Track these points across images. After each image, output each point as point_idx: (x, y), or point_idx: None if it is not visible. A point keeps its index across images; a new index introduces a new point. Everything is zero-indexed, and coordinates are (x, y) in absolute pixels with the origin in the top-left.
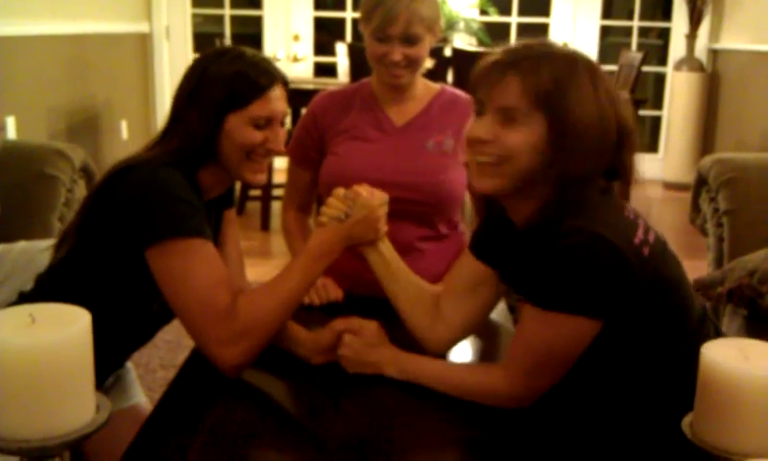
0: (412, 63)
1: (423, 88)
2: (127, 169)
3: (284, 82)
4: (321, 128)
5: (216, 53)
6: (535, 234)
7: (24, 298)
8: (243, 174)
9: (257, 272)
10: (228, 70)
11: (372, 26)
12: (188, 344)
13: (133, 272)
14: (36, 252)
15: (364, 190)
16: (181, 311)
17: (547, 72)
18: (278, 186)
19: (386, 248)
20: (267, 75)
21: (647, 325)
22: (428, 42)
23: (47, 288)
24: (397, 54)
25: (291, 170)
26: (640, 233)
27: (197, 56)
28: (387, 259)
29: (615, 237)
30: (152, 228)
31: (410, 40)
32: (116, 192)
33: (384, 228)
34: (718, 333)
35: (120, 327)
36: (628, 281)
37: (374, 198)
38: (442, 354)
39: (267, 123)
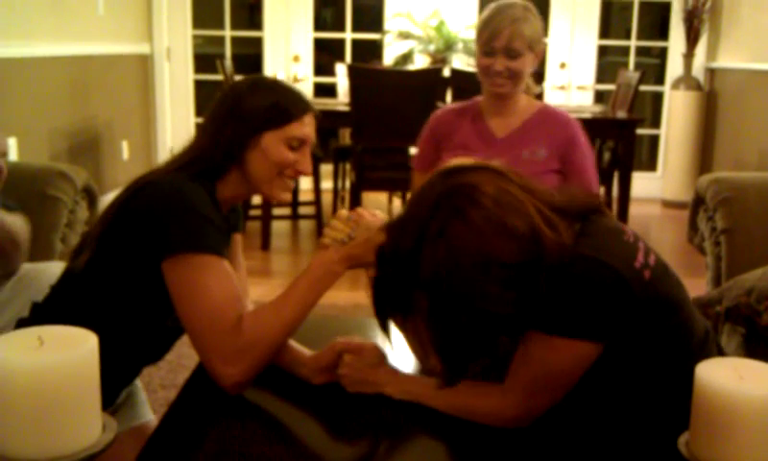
0: (513, 76)
1: (526, 105)
2: (152, 181)
3: (315, 113)
4: (437, 137)
5: (251, 81)
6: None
7: (38, 308)
8: (273, 191)
9: (258, 291)
10: (266, 97)
11: (481, 41)
12: (188, 364)
13: (150, 285)
14: (40, 273)
15: (366, 213)
16: (190, 324)
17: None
18: (278, 206)
19: None
20: (303, 102)
21: (649, 347)
22: (529, 60)
23: (63, 299)
24: (500, 64)
25: (415, 180)
26: (641, 257)
27: (197, 76)
28: None
29: (616, 262)
30: (170, 239)
31: (511, 54)
32: (141, 202)
33: None
34: (721, 354)
35: (134, 341)
36: (629, 305)
37: (376, 221)
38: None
39: (299, 145)
